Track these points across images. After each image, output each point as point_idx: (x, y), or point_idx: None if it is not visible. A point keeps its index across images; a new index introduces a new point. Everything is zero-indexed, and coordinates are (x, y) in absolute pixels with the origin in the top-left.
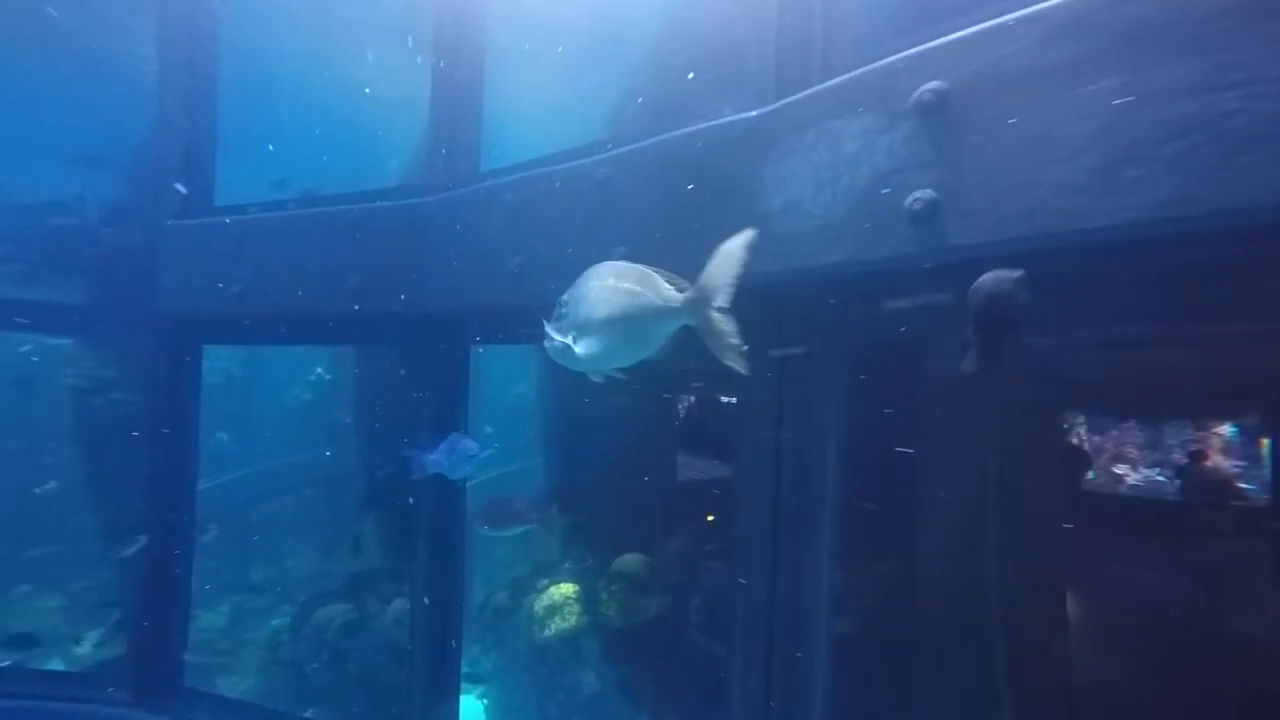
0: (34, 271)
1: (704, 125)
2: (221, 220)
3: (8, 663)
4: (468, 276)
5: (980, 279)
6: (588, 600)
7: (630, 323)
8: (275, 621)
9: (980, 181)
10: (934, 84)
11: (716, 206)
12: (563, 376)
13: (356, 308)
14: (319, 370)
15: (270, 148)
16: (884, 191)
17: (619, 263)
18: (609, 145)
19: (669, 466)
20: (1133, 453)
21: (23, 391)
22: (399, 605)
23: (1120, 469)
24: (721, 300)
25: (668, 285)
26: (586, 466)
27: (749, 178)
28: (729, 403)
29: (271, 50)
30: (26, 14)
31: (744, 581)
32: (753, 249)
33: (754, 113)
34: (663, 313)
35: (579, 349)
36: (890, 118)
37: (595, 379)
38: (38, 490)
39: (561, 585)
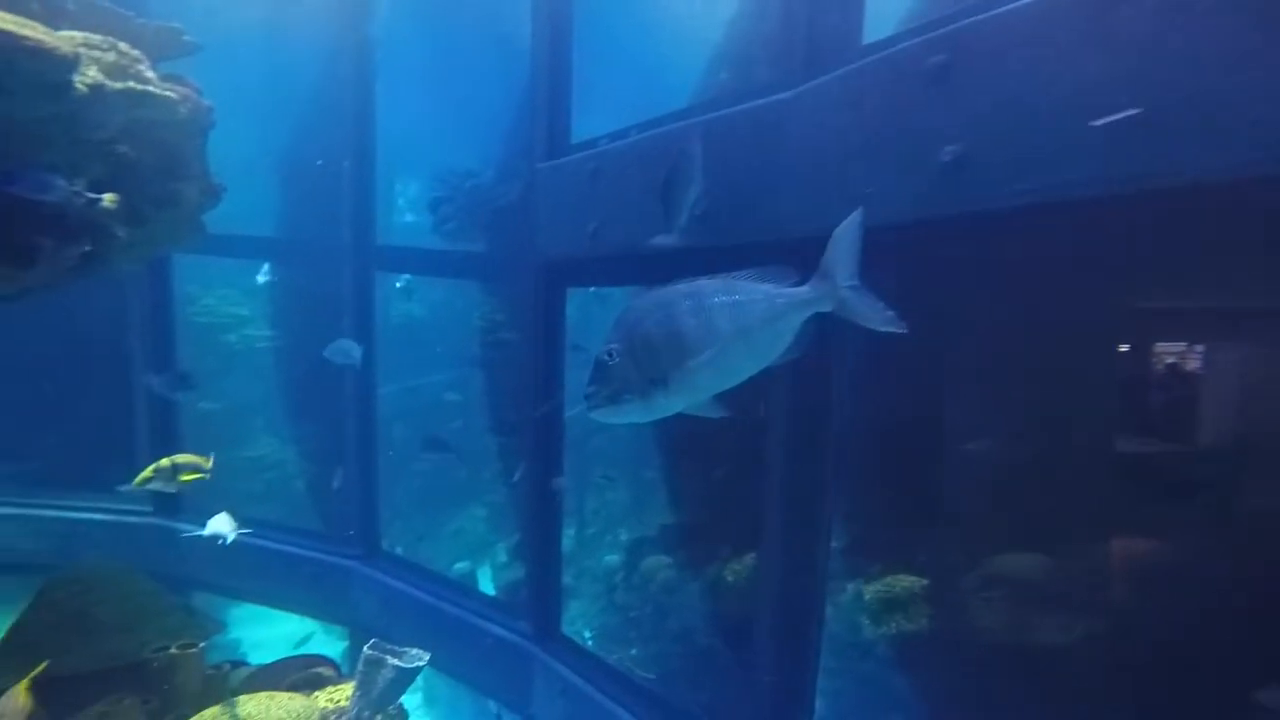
0: (461, 229)
1: None
2: (576, 158)
3: (465, 564)
4: (854, 186)
5: None
6: (946, 602)
7: (751, 332)
8: (608, 558)
9: None
10: None
11: None
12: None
13: (702, 239)
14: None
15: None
16: None
17: (677, 288)
18: None
19: (1102, 439)
20: None
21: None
22: (714, 570)
23: None
24: (853, 279)
25: (772, 285)
26: (945, 427)
27: None
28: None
29: None
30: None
31: None
32: None
33: None
34: (794, 307)
35: (675, 386)
36: None
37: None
38: (449, 396)
39: (903, 577)
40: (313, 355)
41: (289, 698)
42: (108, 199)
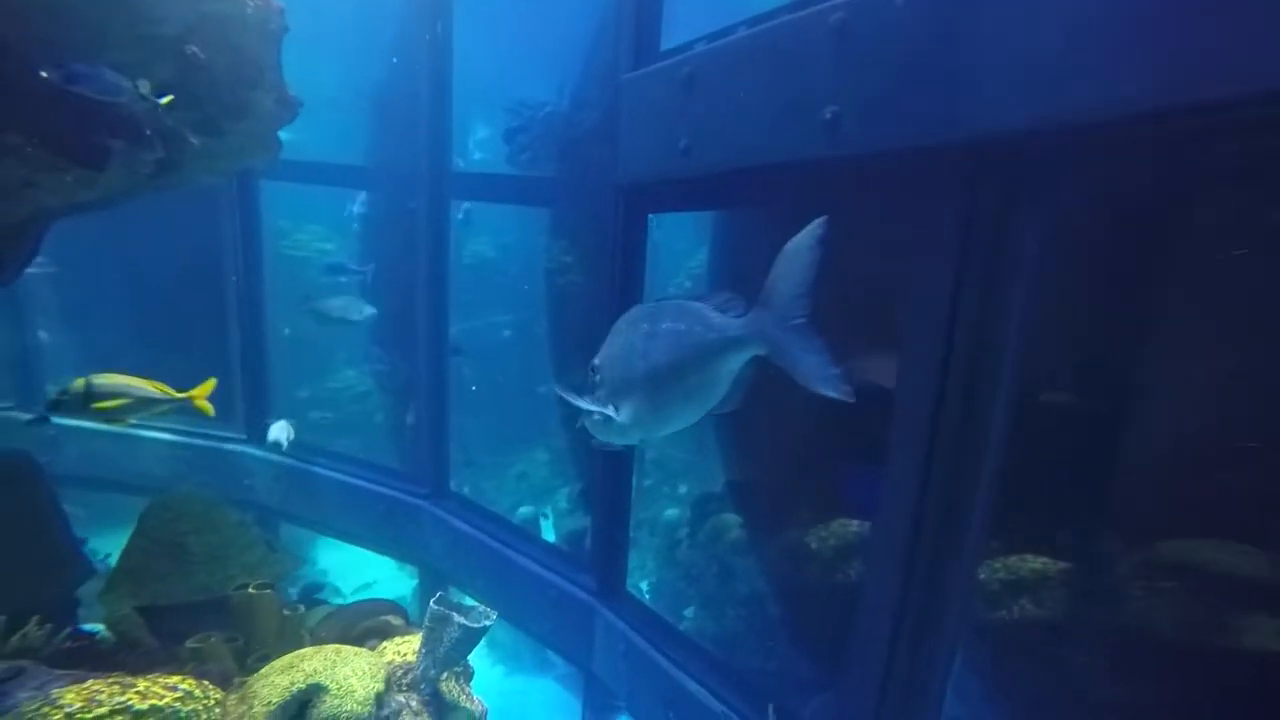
0: (535, 159)
1: None
2: (668, 64)
3: (528, 509)
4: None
5: None
6: (1094, 589)
7: (685, 371)
8: (668, 511)
9: None
10: None
11: None
12: None
13: (834, 149)
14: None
15: None
16: None
17: (652, 304)
18: None
19: None
20: None
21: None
22: (793, 535)
23: None
24: (799, 315)
25: (718, 314)
26: (1127, 384)
27: None
28: None
29: None
30: None
31: None
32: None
33: None
34: (723, 346)
35: (623, 419)
36: None
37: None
38: (506, 333)
39: (1030, 559)
40: (391, 289)
41: (354, 653)
42: (165, 101)
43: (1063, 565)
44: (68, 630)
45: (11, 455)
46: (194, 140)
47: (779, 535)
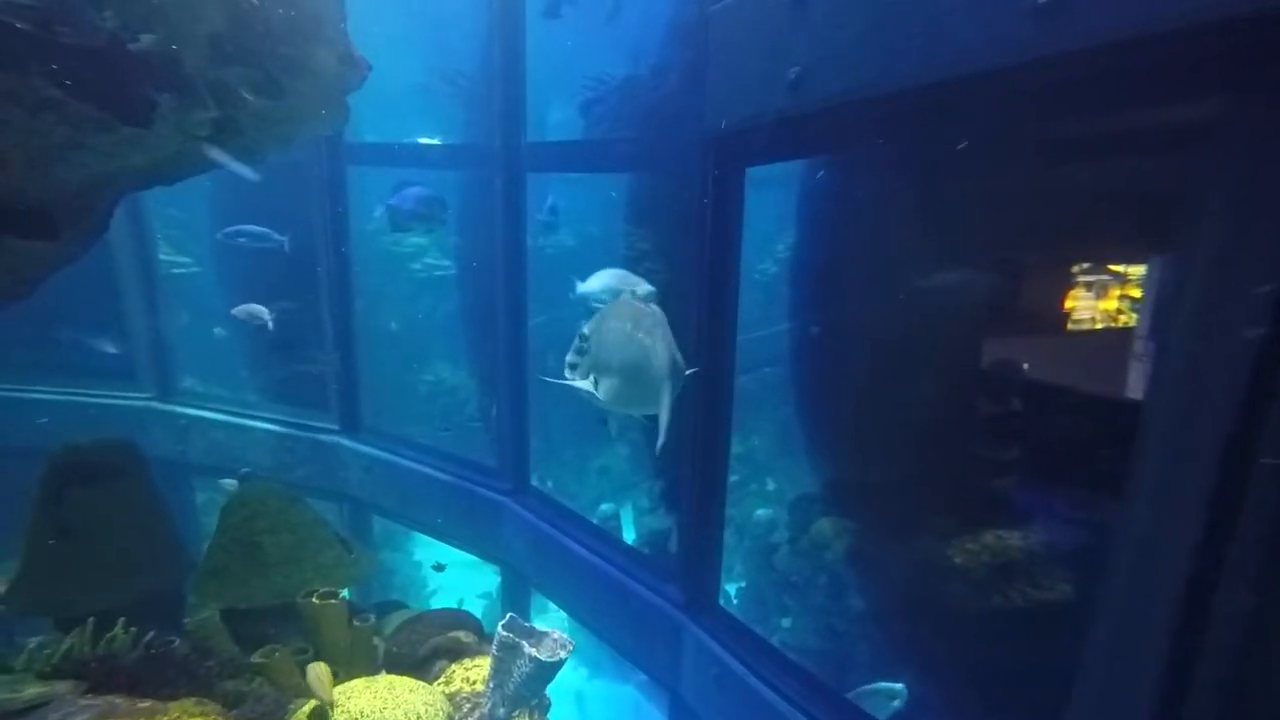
0: (613, 130)
1: None
2: None
3: (610, 507)
4: None
5: None
6: None
7: (641, 376)
8: (760, 511)
9: None
10: None
11: None
12: None
13: (1055, 44)
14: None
15: None
16: None
17: (639, 305)
18: None
19: None
20: None
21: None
22: (928, 545)
23: None
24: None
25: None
26: None
27: None
28: None
29: None
30: None
31: None
32: None
33: None
34: (673, 375)
35: (599, 391)
36: None
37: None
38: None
39: None
40: (477, 283)
41: (410, 690)
42: (145, 39)
43: None
44: (150, 635)
45: (117, 446)
46: (249, 97)
47: (907, 546)
